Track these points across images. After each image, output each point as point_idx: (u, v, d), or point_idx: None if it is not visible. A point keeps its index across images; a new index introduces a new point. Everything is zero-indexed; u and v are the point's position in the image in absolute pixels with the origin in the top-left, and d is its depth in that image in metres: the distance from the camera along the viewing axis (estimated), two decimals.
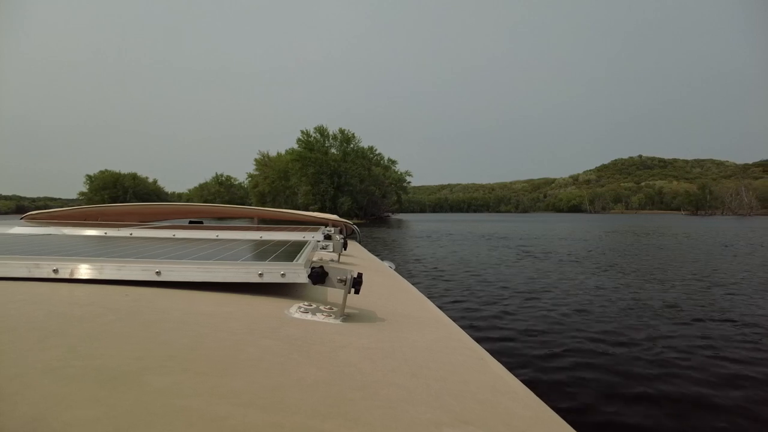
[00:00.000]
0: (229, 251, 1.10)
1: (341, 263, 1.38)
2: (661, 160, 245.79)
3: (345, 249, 1.65)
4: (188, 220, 3.33)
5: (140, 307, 0.68)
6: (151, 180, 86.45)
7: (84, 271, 0.82)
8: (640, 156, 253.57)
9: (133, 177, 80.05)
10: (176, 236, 1.65)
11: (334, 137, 52.47)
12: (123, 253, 0.99)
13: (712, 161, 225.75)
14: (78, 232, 1.73)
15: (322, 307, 0.80)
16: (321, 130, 51.53)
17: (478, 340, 0.76)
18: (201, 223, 2.94)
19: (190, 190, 79.20)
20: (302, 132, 50.92)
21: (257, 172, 58.00)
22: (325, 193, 48.61)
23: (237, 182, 76.96)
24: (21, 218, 2.63)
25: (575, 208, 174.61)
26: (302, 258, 0.91)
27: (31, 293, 0.72)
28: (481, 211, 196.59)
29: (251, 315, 0.71)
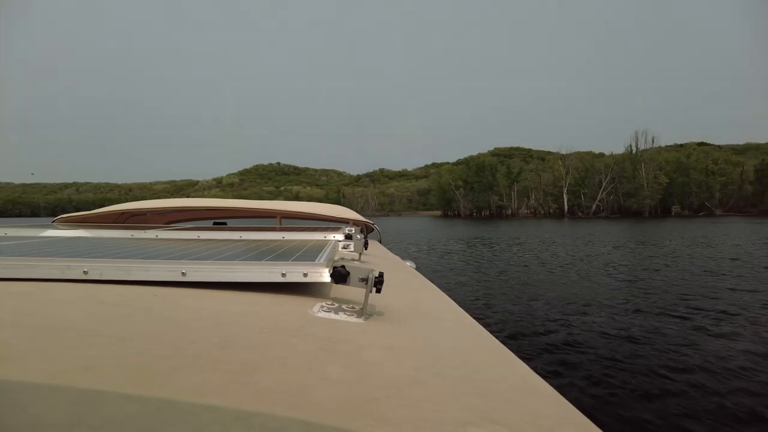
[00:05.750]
0: (253, 252, 1.11)
1: (362, 262, 1.36)
2: (296, 168, 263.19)
3: (366, 248, 1.72)
4: (212, 221, 3.40)
5: (168, 308, 0.69)
6: None
7: (113, 272, 0.83)
8: (279, 163, 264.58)
9: None
10: (201, 237, 1.70)
11: None
12: (149, 254, 1.00)
13: (334, 171, 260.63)
14: (106, 235, 1.78)
15: (344, 307, 0.80)
16: None
17: (502, 340, 0.72)
18: (225, 224, 3.02)
19: None
20: None
21: None
22: None
23: None
24: (53, 221, 2.77)
25: None
26: (324, 258, 0.92)
27: (64, 294, 0.73)
28: None
29: (276, 314, 0.71)
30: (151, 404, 0.37)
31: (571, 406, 0.50)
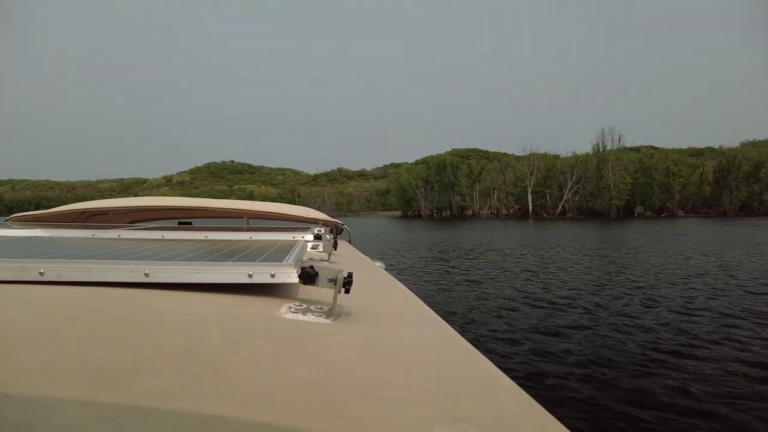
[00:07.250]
0: (219, 252, 1.09)
1: (331, 263, 1.36)
2: (250, 166, 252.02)
3: (335, 248, 1.74)
4: (177, 221, 3.33)
5: (130, 309, 0.67)
6: None
7: (71, 273, 0.80)
8: (232, 161, 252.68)
9: None
10: (165, 237, 1.68)
11: None
12: (111, 254, 0.97)
13: (291, 170, 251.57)
14: (65, 234, 1.72)
15: (312, 307, 0.79)
16: None
17: (469, 339, 0.76)
18: (190, 224, 2.96)
19: None
20: None
21: None
22: None
23: None
24: (6, 220, 2.66)
25: None
26: (292, 258, 0.91)
27: (18, 296, 0.71)
28: None
29: (242, 315, 0.70)
30: (109, 410, 0.35)
31: (536, 402, 0.50)
